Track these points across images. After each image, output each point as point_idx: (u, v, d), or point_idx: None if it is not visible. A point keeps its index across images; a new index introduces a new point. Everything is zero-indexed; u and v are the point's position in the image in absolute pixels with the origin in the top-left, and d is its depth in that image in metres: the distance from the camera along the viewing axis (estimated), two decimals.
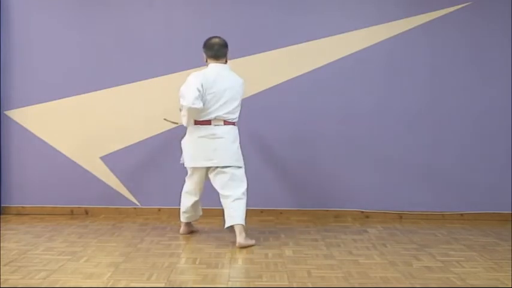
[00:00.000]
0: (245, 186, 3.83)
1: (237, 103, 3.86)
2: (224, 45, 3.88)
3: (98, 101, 4.75)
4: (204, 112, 3.76)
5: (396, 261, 3.34)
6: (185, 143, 3.91)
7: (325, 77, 4.75)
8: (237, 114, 3.90)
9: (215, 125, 3.79)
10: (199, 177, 3.90)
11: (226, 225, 3.74)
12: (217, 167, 3.81)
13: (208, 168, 3.86)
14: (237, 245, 3.64)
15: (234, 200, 3.75)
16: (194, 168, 3.88)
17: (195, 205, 3.99)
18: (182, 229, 4.08)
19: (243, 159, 3.94)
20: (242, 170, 3.87)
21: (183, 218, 4.03)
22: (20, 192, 4.78)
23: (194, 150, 3.83)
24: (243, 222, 3.71)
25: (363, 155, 4.78)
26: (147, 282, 2.85)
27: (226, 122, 3.82)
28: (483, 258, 3.46)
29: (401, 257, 3.43)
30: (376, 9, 4.78)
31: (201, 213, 4.12)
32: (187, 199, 3.97)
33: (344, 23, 4.77)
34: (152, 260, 3.29)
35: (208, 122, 3.79)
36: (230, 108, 3.81)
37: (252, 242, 3.72)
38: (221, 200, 3.83)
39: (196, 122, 3.80)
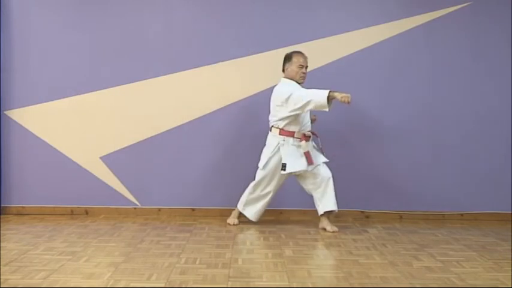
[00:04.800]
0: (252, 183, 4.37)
1: (272, 110, 4.29)
2: (283, 59, 4.34)
3: (98, 101, 4.75)
4: None
5: (396, 261, 3.34)
6: None
7: (326, 76, 4.74)
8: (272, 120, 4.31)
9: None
10: None
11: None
12: None
13: None
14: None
15: None
16: None
17: None
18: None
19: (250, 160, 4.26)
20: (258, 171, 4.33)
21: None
22: (20, 192, 4.77)
23: None
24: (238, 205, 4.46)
25: (363, 154, 4.78)
26: (147, 282, 2.84)
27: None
28: (483, 258, 3.46)
29: (401, 257, 3.43)
30: (376, 9, 4.78)
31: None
32: None
33: (344, 23, 4.77)
34: (152, 260, 3.28)
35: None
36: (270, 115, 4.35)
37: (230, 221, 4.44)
38: None
39: None
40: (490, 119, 4.81)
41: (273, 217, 4.73)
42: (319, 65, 4.74)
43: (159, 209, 4.80)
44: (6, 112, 4.75)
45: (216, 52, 4.74)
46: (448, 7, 4.78)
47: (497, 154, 4.81)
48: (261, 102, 4.71)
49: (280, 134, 4.22)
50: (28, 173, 4.77)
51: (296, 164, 4.18)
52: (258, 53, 4.74)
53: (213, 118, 4.76)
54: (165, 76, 4.76)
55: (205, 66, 4.75)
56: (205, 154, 4.77)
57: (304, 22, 4.76)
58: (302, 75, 4.26)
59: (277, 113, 4.21)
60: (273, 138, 4.25)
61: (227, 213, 4.58)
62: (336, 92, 3.98)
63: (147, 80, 4.76)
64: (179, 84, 4.76)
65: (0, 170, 4.74)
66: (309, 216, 4.69)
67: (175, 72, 4.75)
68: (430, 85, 4.80)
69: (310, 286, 2.82)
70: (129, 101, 4.76)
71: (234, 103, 4.77)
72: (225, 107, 4.76)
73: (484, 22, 4.79)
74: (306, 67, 4.28)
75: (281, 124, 4.21)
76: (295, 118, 4.19)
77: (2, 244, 3.63)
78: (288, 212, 4.79)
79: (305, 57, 4.28)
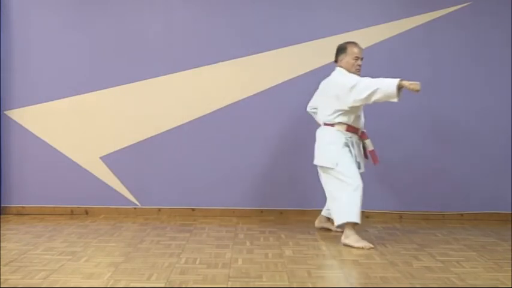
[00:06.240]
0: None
1: (328, 102, 3.95)
2: (336, 50, 4.03)
3: (97, 101, 4.75)
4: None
5: (396, 261, 3.34)
6: None
7: (326, 77, 4.73)
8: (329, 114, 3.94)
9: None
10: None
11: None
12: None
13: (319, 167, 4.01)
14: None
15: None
16: None
17: None
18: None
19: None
20: (330, 171, 3.86)
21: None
22: (20, 192, 4.78)
23: None
24: (336, 222, 3.81)
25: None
26: (147, 282, 2.85)
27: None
28: (483, 258, 3.46)
29: (401, 257, 3.43)
30: (376, 9, 4.78)
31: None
32: None
33: (344, 23, 4.77)
34: (152, 260, 3.29)
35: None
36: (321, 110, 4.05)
37: (356, 244, 3.67)
38: None
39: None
40: (489, 119, 4.81)
41: (273, 217, 4.73)
42: (319, 65, 4.73)
43: (159, 209, 4.80)
44: (6, 112, 4.75)
45: (216, 52, 4.74)
46: (448, 7, 4.78)
47: (497, 154, 4.81)
48: (261, 102, 4.72)
49: (347, 131, 3.89)
50: (28, 173, 4.77)
51: (362, 163, 3.99)
52: (258, 53, 4.74)
53: (213, 118, 4.76)
54: (165, 76, 4.76)
55: (205, 66, 4.76)
56: (205, 154, 4.77)
57: (304, 22, 4.76)
58: (357, 67, 3.92)
59: (335, 105, 3.85)
60: (337, 134, 3.88)
61: (227, 213, 4.59)
62: (404, 80, 3.69)
63: (147, 80, 4.76)
64: (179, 84, 4.76)
65: (0, 170, 4.74)
66: (309, 216, 4.69)
67: (175, 72, 4.75)
68: (430, 85, 4.80)
69: (310, 286, 2.82)
70: (129, 101, 4.76)
71: (234, 103, 4.76)
72: (225, 107, 4.76)
73: (484, 22, 4.78)
74: (362, 59, 3.96)
75: (345, 119, 3.88)
76: (357, 115, 3.93)
77: (2, 244, 3.63)
78: (288, 212, 4.79)
79: (360, 48, 3.96)
